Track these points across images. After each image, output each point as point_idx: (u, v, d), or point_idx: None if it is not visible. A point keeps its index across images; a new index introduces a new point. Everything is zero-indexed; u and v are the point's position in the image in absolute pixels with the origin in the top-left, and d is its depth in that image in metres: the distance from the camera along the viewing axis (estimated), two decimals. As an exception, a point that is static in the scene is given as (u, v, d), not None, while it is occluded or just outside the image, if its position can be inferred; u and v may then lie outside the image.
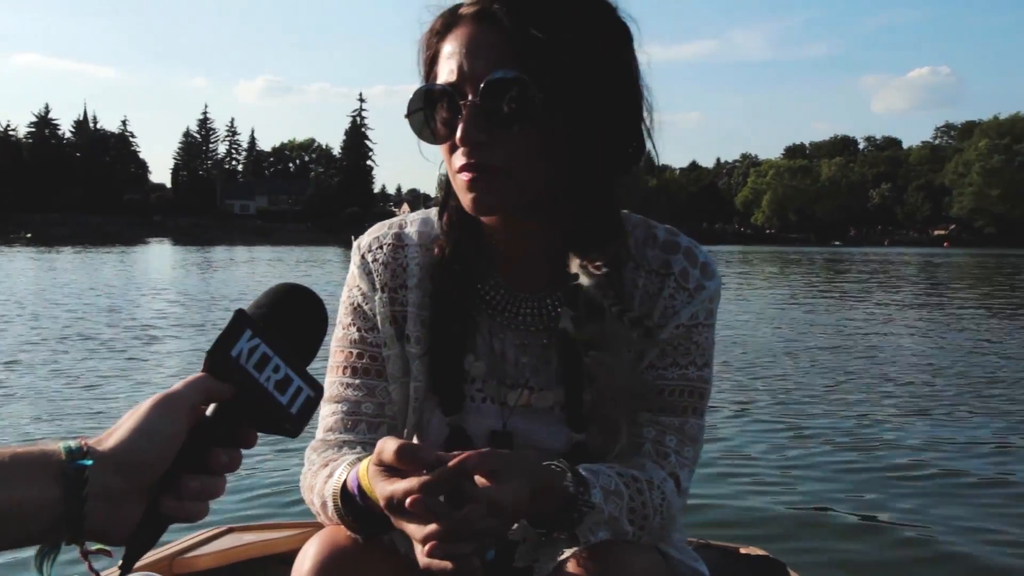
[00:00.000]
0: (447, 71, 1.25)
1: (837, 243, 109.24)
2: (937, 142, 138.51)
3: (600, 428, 1.35)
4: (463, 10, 1.25)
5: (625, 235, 1.37)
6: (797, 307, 17.12)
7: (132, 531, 0.87)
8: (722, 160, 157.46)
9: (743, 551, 2.00)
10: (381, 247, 1.43)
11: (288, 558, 2.13)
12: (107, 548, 0.88)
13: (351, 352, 1.41)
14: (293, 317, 0.98)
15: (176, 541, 2.13)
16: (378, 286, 1.41)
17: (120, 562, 0.88)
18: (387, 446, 1.12)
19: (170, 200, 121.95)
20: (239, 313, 0.93)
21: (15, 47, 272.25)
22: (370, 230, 1.47)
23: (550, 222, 1.33)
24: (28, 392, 7.33)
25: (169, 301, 16.56)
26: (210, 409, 0.92)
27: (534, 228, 1.34)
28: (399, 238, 1.43)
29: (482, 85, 1.21)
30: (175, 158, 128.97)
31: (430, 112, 1.27)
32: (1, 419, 6.45)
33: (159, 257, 38.50)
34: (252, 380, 0.91)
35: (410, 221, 1.46)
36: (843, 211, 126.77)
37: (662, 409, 1.37)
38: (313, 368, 0.98)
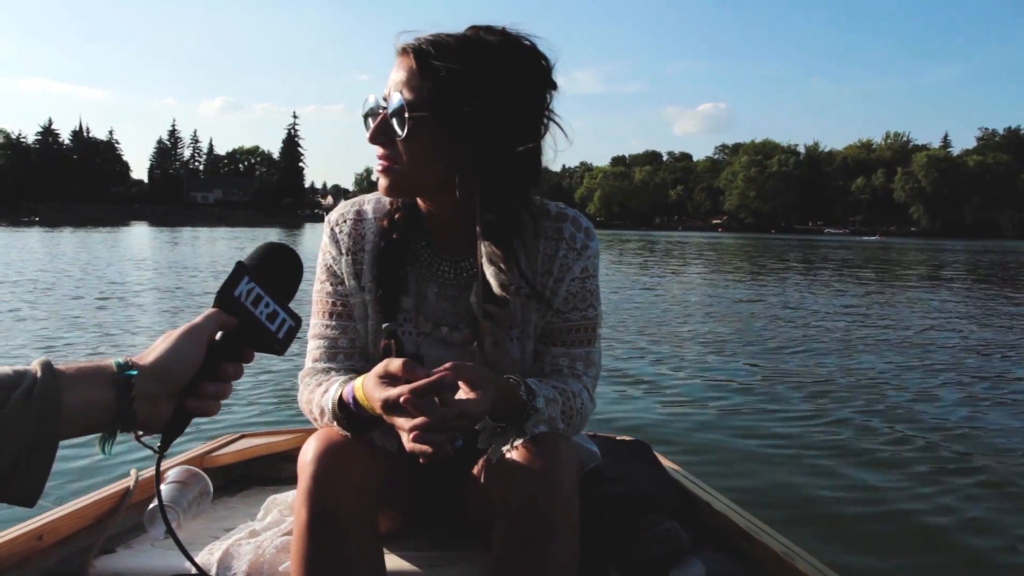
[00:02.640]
0: (385, 88, 1.24)
1: (644, 229, 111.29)
2: (716, 157, 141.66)
3: (497, 365, 1.30)
4: (399, 45, 1.22)
5: (536, 219, 1.32)
6: (634, 275, 17.51)
7: (166, 423, 0.89)
8: (566, 166, 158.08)
9: (618, 439, 2.00)
10: (345, 221, 1.39)
11: (288, 455, 2.11)
12: (151, 435, 0.90)
13: (327, 301, 1.38)
14: (278, 266, 0.98)
15: (204, 444, 2.10)
16: (343, 251, 1.37)
17: (159, 444, 0.91)
18: (394, 362, 1.13)
19: (147, 192, 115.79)
20: (239, 264, 0.93)
21: (27, 73, 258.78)
22: (338, 207, 1.42)
23: (458, 206, 1.26)
24: (50, 326, 7.01)
25: (147, 269, 15.81)
26: (219, 335, 0.92)
27: (449, 209, 1.30)
28: (359, 214, 1.39)
29: (386, 104, 1.22)
30: (151, 160, 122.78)
31: (375, 116, 1.25)
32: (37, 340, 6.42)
33: (140, 236, 36.39)
34: (250, 313, 0.91)
35: (367, 200, 1.41)
36: (650, 205, 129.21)
37: (571, 343, 1.36)
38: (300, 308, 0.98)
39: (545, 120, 1.26)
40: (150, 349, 0.88)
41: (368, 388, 1.17)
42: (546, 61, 1.24)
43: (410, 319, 1.38)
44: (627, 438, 2.04)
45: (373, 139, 1.23)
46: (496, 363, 1.30)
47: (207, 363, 0.90)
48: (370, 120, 1.25)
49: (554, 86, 1.26)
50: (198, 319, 0.90)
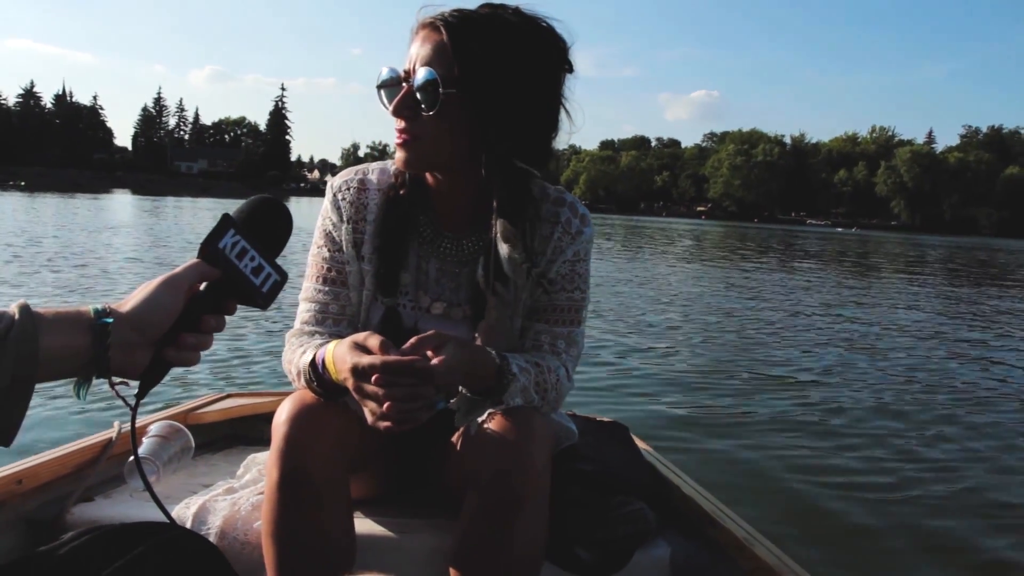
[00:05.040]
0: (407, 60, 1.22)
1: (628, 214, 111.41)
2: (704, 145, 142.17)
3: (494, 342, 1.30)
4: (425, 19, 1.21)
5: (537, 200, 1.34)
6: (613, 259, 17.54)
7: (143, 371, 0.88)
8: (555, 148, 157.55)
9: (598, 419, 2.00)
10: (349, 188, 1.37)
11: (271, 416, 2.12)
12: (127, 381, 0.89)
13: (322, 266, 1.38)
14: (267, 220, 0.96)
15: (190, 401, 2.09)
16: (344, 218, 1.36)
17: (136, 392, 0.91)
18: (372, 339, 1.14)
19: (130, 160, 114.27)
20: (225, 216, 0.92)
21: (11, 33, 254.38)
22: (341, 174, 1.41)
23: (466, 183, 1.28)
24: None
25: (128, 236, 15.68)
26: (203, 286, 0.91)
27: (457, 186, 1.30)
28: (363, 183, 1.38)
29: (412, 78, 1.20)
30: (135, 127, 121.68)
31: (392, 88, 1.24)
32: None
33: (122, 204, 35.92)
34: (233, 266, 0.90)
35: (372, 169, 1.40)
36: (636, 190, 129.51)
37: (555, 322, 1.36)
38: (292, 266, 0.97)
39: (560, 102, 1.28)
40: (129, 297, 0.88)
41: (340, 352, 1.17)
42: (563, 43, 1.25)
43: (409, 294, 1.38)
44: (606, 419, 2.04)
45: (398, 112, 1.22)
46: (497, 338, 1.31)
47: (188, 313, 0.89)
48: (383, 92, 1.24)
49: (571, 68, 1.27)
50: (178, 269, 0.90)
